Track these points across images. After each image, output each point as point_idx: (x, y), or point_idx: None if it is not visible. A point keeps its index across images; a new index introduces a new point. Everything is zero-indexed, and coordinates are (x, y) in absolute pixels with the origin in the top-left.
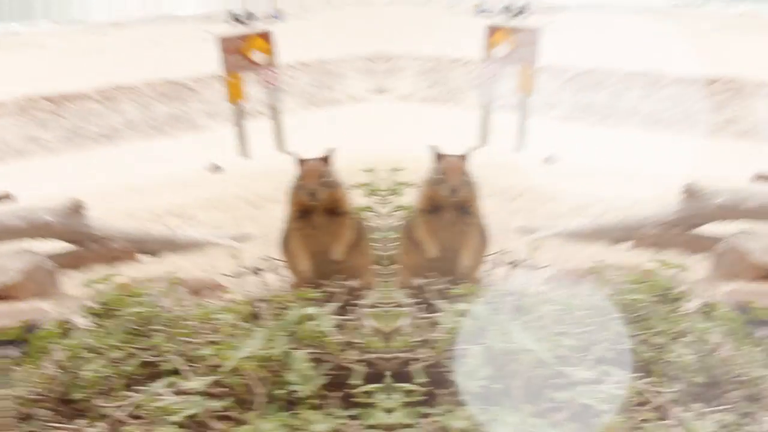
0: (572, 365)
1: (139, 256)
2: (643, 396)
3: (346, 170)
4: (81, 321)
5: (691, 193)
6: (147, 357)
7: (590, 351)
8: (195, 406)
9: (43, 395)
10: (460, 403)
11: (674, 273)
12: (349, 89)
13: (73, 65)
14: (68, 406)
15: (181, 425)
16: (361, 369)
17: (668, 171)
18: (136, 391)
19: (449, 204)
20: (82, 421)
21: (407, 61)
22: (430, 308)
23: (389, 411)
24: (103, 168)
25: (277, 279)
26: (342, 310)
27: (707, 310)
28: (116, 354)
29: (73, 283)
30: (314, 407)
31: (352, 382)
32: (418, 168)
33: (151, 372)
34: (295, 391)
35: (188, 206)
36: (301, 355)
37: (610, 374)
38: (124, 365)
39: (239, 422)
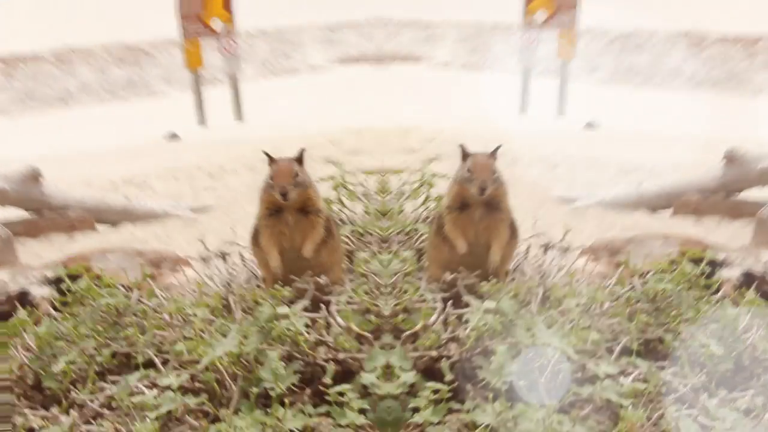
0: (596, 359)
1: (97, 226)
2: (668, 386)
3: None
4: (39, 292)
5: (732, 158)
6: (120, 348)
7: (615, 343)
8: (171, 402)
9: (13, 381)
10: (487, 400)
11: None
12: (310, 58)
13: (27, 27)
14: (40, 394)
15: (157, 419)
16: (332, 367)
17: (711, 134)
18: (110, 382)
19: (478, 201)
20: (55, 410)
21: (446, 29)
22: (459, 304)
23: (416, 410)
24: (57, 132)
25: (243, 264)
26: (312, 307)
27: (736, 296)
28: (88, 344)
29: (30, 251)
30: (286, 404)
31: (325, 380)
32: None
33: (124, 363)
34: (268, 389)
35: (146, 175)
36: (273, 354)
37: (635, 366)
38: (96, 355)
39: (214, 419)
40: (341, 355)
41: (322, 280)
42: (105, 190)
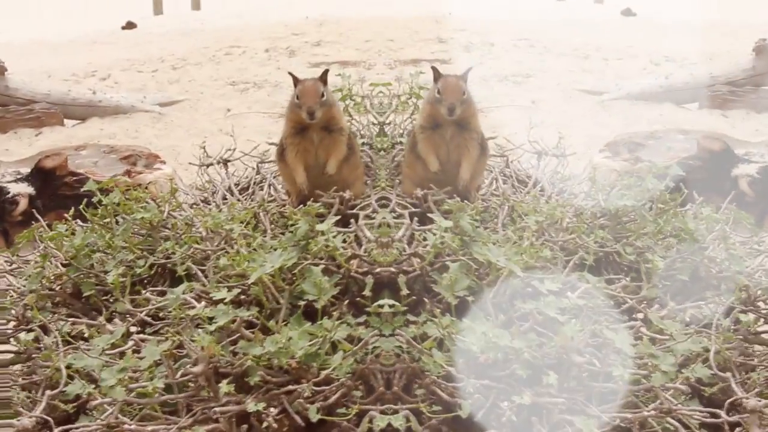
0: (542, 276)
1: (64, 120)
2: (616, 300)
3: None
4: (16, 189)
5: (762, 49)
6: (157, 260)
7: (573, 258)
8: (225, 315)
9: (53, 291)
10: (440, 313)
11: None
12: None
13: None
14: (80, 302)
15: (215, 332)
16: (370, 280)
17: (749, 21)
18: (152, 293)
19: (448, 121)
20: (101, 318)
21: None
22: (428, 220)
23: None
24: (11, 20)
25: (243, 168)
26: (340, 221)
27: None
28: (125, 256)
29: None
30: (329, 315)
31: (365, 293)
32: None
33: (161, 274)
34: (311, 301)
35: (108, 67)
36: (317, 269)
37: (586, 281)
38: (135, 267)
39: (264, 330)
40: (377, 269)
41: (347, 194)
42: (68, 82)
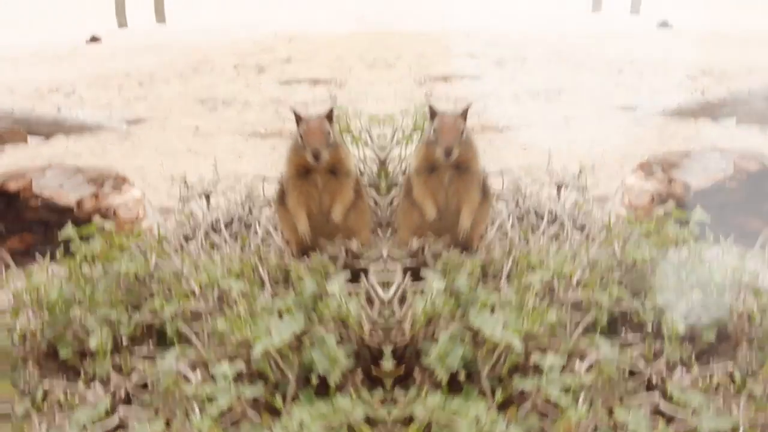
0: (544, 348)
1: (28, 138)
2: (634, 366)
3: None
4: None
5: None
6: (144, 319)
7: (575, 324)
8: (227, 394)
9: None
10: (430, 389)
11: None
12: None
13: None
14: (55, 362)
15: (216, 417)
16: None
17: None
18: (136, 355)
19: (446, 164)
20: (80, 384)
21: None
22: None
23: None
24: None
25: (226, 202)
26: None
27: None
28: (107, 312)
29: None
30: (342, 390)
31: (383, 364)
32: None
33: (146, 333)
34: (322, 374)
35: (72, 83)
36: (330, 338)
37: (597, 348)
38: (118, 325)
39: (270, 409)
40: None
41: (354, 245)
42: (31, 98)
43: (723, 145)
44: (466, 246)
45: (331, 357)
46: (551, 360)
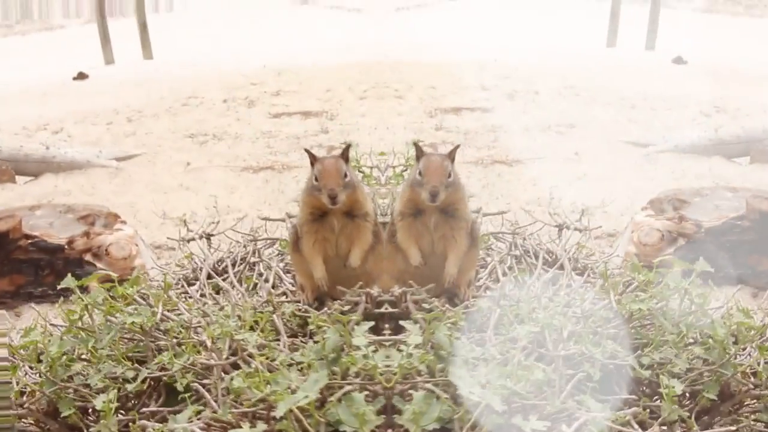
0: (529, 410)
1: (16, 177)
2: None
3: None
4: None
5: None
6: (152, 374)
7: (564, 382)
8: None
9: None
10: None
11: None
12: None
13: None
14: (56, 422)
15: None
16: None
17: None
18: (144, 415)
19: (432, 207)
20: None
21: None
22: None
23: None
24: None
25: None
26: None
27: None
28: (111, 368)
29: None
30: None
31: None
32: None
33: (153, 387)
34: None
35: (60, 120)
36: (359, 396)
37: (586, 409)
38: (123, 380)
39: None
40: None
41: (374, 291)
42: (18, 136)
43: (736, 184)
44: (452, 294)
45: (360, 416)
46: (534, 424)
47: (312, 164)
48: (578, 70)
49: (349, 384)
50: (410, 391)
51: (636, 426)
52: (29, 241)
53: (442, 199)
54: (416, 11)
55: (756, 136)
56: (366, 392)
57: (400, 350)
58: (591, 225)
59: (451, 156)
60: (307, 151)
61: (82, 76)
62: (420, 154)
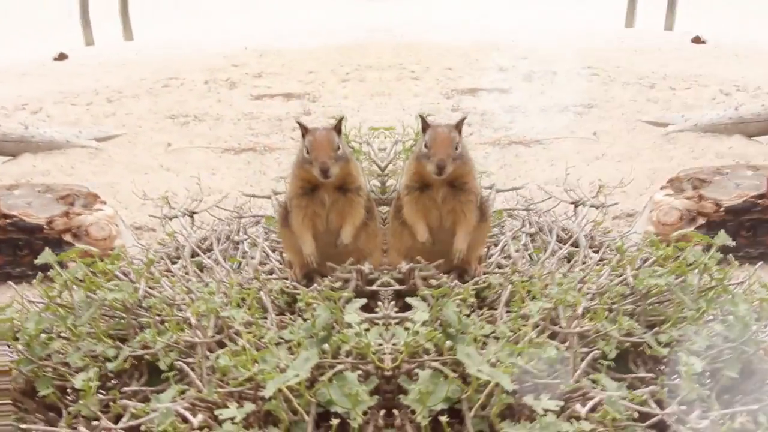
0: (541, 389)
1: None
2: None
3: None
4: None
5: None
6: (134, 352)
7: (578, 360)
8: None
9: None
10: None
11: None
12: None
13: None
14: (34, 401)
15: None
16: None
17: None
18: (123, 393)
19: (439, 181)
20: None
21: None
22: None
23: None
24: None
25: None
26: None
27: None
28: (91, 345)
29: None
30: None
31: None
32: None
33: (135, 366)
34: (342, 414)
35: (40, 100)
36: (352, 375)
37: (602, 388)
38: (103, 358)
39: None
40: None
41: (366, 268)
42: None
43: (756, 162)
44: (462, 270)
45: (352, 396)
46: (546, 403)
47: (303, 136)
48: (597, 51)
49: (340, 363)
50: (416, 371)
51: (654, 405)
52: (7, 220)
53: (449, 172)
54: None
55: None
56: (359, 372)
57: (407, 328)
58: (608, 203)
59: (458, 127)
60: (298, 122)
61: (62, 56)
62: (426, 126)
